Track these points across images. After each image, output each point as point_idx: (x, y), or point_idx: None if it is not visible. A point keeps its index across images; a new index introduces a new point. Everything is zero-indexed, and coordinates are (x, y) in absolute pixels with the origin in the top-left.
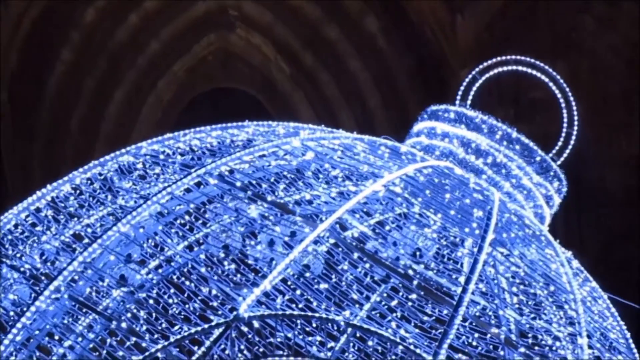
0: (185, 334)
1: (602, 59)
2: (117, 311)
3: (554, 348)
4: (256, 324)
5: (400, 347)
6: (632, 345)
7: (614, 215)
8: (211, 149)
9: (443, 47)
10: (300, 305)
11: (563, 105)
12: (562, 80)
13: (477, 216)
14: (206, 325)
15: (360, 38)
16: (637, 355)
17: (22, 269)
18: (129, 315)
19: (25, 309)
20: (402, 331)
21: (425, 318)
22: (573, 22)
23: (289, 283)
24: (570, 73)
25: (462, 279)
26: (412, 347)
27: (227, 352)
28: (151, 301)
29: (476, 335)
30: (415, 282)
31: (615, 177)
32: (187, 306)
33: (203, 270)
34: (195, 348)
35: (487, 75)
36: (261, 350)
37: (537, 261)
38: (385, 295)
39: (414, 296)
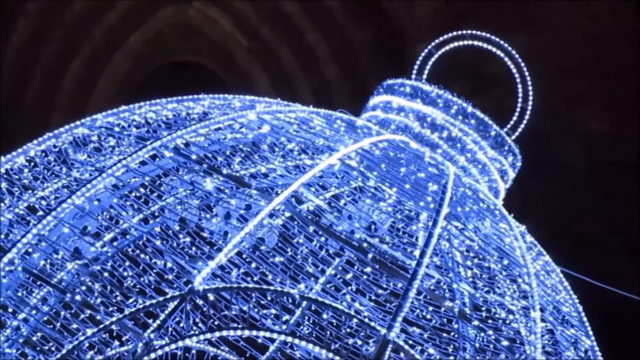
0: (140, 306)
1: (563, 34)
2: (72, 284)
3: (507, 321)
4: (211, 296)
5: (355, 320)
6: (585, 319)
7: (572, 189)
8: (167, 121)
9: (403, 20)
10: (255, 278)
11: (518, 80)
12: (517, 56)
13: (432, 190)
14: (161, 298)
15: (318, 11)
16: (589, 328)
17: None
18: (83, 288)
19: None
20: (357, 304)
21: (380, 291)
22: None
23: (244, 256)
24: (532, 48)
25: (416, 253)
26: (366, 320)
27: (182, 324)
28: (106, 274)
29: (430, 308)
30: (370, 256)
31: (576, 152)
32: (142, 279)
33: (158, 243)
34: (150, 321)
35: (443, 49)
36: (216, 323)
37: (491, 235)
38: (340, 268)
39: (368, 269)
